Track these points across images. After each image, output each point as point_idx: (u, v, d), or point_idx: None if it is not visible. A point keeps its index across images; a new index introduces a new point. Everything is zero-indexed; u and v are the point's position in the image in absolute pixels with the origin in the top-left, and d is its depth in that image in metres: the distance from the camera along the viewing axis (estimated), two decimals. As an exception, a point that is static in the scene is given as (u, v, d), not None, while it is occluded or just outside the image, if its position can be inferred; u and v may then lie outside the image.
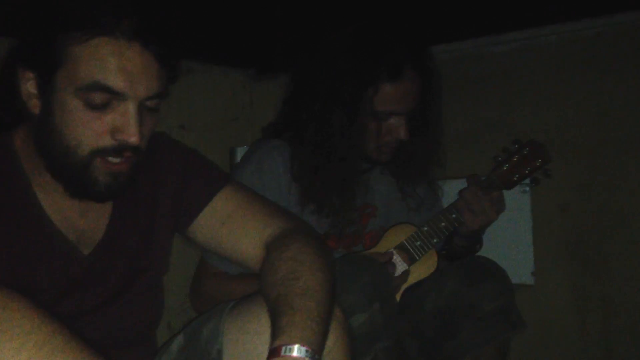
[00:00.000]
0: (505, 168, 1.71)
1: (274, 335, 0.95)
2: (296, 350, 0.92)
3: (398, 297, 1.64)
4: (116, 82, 1.01)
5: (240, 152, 2.17)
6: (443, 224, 1.69)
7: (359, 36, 1.64)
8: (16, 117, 1.11)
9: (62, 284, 1.11)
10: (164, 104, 1.12)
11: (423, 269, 1.69)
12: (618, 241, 2.07)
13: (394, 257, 1.65)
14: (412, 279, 1.68)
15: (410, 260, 1.67)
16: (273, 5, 1.98)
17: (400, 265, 1.66)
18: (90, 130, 1.03)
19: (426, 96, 1.67)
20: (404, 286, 1.66)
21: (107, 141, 1.04)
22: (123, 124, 1.04)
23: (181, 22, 1.39)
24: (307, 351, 0.92)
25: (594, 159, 2.10)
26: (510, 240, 2.16)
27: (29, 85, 1.05)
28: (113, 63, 1.01)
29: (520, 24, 2.16)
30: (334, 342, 1.02)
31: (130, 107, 1.04)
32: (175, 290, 1.99)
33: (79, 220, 1.15)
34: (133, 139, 1.04)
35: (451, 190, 1.83)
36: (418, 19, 2.05)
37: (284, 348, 0.92)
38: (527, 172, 1.71)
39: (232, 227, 1.23)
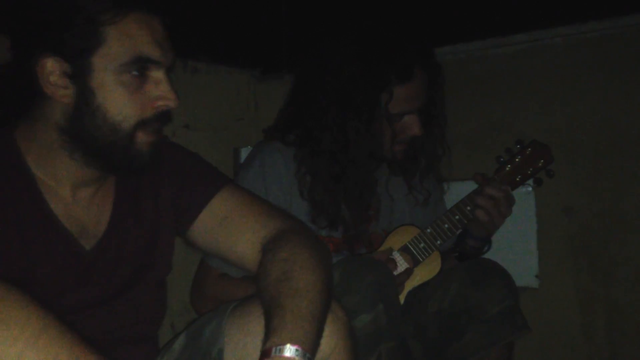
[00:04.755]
0: (507, 169, 1.70)
1: (266, 337, 0.96)
2: (287, 350, 0.92)
3: (402, 298, 1.64)
4: (153, 52, 1.08)
5: (244, 153, 2.16)
6: (446, 225, 1.68)
7: (366, 41, 1.64)
8: (16, 111, 1.13)
9: (64, 277, 1.12)
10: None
11: (427, 271, 1.69)
12: (623, 243, 2.06)
13: (395, 255, 1.65)
14: (415, 281, 1.68)
15: (414, 262, 1.67)
16: (278, 6, 1.99)
17: (403, 266, 1.65)
18: (134, 103, 1.08)
19: (433, 90, 1.69)
20: (408, 288, 1.66)
21: (149, 111, 1.10)
22: (162, 91, 1.10)
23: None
24: (297, 350, 0.92)
25: (599, 161, 2.09)
26: (515, 243, 2.14)
27: (52, 77, 1.06)
28: (147, 35, 1.08)
29: (526, 25, 2.17)
30: (336, 343, 1.02)
31: (164, 74, 1.11)
32: (178, 291, 1.99)
33: (82, 215, 1.16)
34: (173, 102, 1.11)
35: (455, 192, 1.82)
36: (424, 20, 2.05)
37: (274, 349, 0.93)
38: (529, 172, 1.71)
39: (229, 229, 1.23)
